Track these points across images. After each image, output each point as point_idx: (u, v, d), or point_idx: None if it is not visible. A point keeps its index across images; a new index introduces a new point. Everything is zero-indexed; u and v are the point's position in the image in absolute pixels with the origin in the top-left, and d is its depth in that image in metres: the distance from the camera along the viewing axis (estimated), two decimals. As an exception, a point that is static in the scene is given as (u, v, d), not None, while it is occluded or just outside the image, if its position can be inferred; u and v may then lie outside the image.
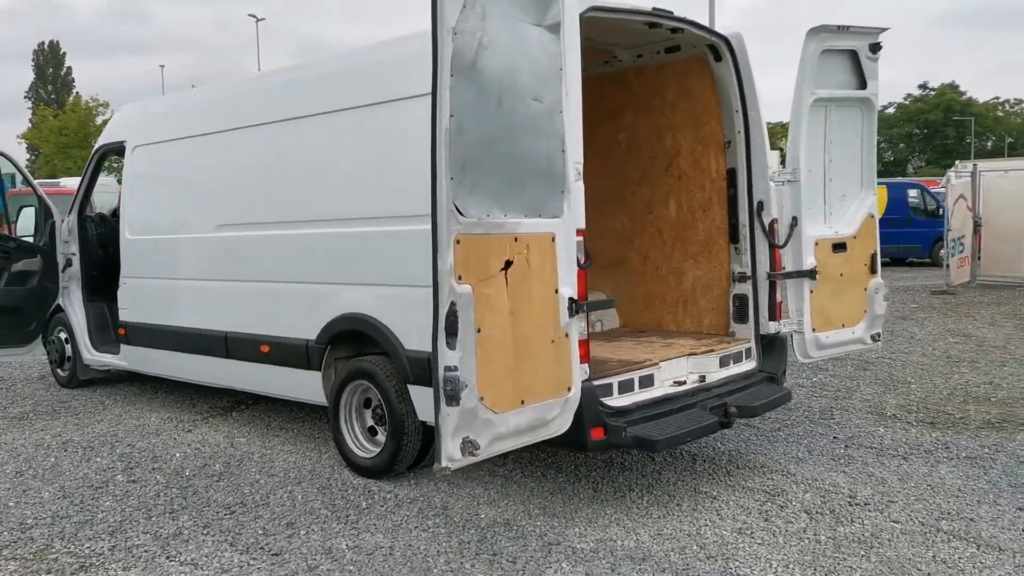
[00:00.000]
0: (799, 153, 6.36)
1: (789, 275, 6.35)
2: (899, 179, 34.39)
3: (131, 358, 8.43)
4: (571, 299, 4.60)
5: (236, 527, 5.25)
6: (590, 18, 5.17)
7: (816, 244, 6.46)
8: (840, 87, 6.60)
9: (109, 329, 8.85)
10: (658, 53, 6.70)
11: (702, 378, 5.87)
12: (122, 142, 8.44)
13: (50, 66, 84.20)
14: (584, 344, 4.89)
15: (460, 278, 3.99)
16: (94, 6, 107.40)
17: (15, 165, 8.99)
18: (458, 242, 3.98)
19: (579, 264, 4.81)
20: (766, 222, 6.31)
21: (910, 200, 25.19)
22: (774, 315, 6.37)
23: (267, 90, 7.05)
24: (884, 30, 6.64)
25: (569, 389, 4.63)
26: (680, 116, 6.76)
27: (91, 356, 8.99)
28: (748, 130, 6.27)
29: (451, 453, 3.97)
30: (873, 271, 6.83)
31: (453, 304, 3.93)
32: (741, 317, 6.47)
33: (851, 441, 6.76)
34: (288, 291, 6.52)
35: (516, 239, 4.32)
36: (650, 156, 7.02)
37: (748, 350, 6.34)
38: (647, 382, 5.47)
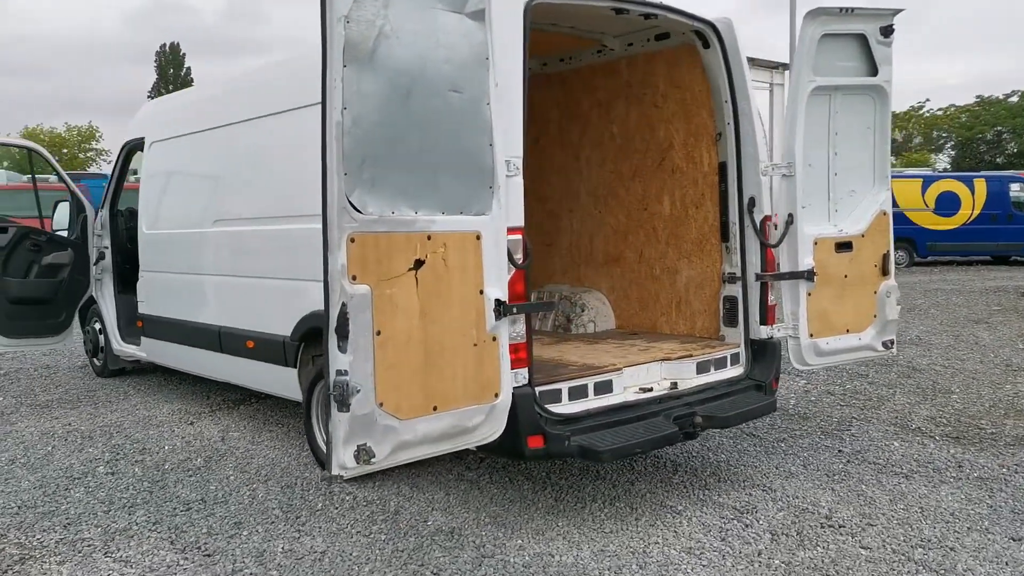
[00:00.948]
0: (796, 145, 5.93)
1: (780, 276, 5.94)
2: (1000, 172, 32.35)
3: (148, 350, 8.61)
4: (498, 301, 4.37)
5: (185, 524, 5.24)
6: (544, 4, 4.91)
7: (816, 243, 6.02)
8: (846, 74, 6.13)
9: (135, 321, 9.07)
10: (648, 41, 6.36)
11: (674, 385, 5.54)
12: (142, 138, 8.61)
13: (171, 67, 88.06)
14: (522, 347, 4.65)
15: (355, 278, 3.82)
16: (216, 8, 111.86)
17: (48, 160, 9.29)
18: (352, 240, 3.82)
19: (516, 264, 4.58)
20: (757, 219, 5.91)
21: (1012, 194, 23.65)
22: (766, 319, 5.97)
23: (242, 88, 7.07)
24: (898, 11, 6.13)
25: (497, 395, 4.41)
26: (672, 107, 6.41)
27: (119, 347, 9.23)
28: (738, 121, 5.88)
29: (343, 460, 3.81)
30: (885, 272, 6.33)
31: (344, 305, 3.77)
32: (731, 320, 6.09)
33: (855, 456, 6.28)
34: (267, 287, 6.50)
35: (430, 237, 4.12)
36: (643, 149, 6.69)
37: (735, 355, 5.96)
38: (604, 388, 5.18)
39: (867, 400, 8.02)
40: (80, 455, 6.73)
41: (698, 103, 6.19)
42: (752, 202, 5.91)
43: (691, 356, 5.70)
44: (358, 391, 3.80)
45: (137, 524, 5.27)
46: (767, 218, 5.93)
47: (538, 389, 4.85)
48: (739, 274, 5.99)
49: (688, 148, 6.34)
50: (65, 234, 9.37)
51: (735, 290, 6.03)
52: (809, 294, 6.00)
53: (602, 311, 6.99)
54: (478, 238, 4.34)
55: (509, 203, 4.57)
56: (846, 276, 6.17)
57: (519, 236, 4.64)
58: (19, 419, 8.00)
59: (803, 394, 8.31)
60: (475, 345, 4.32)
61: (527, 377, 4.69)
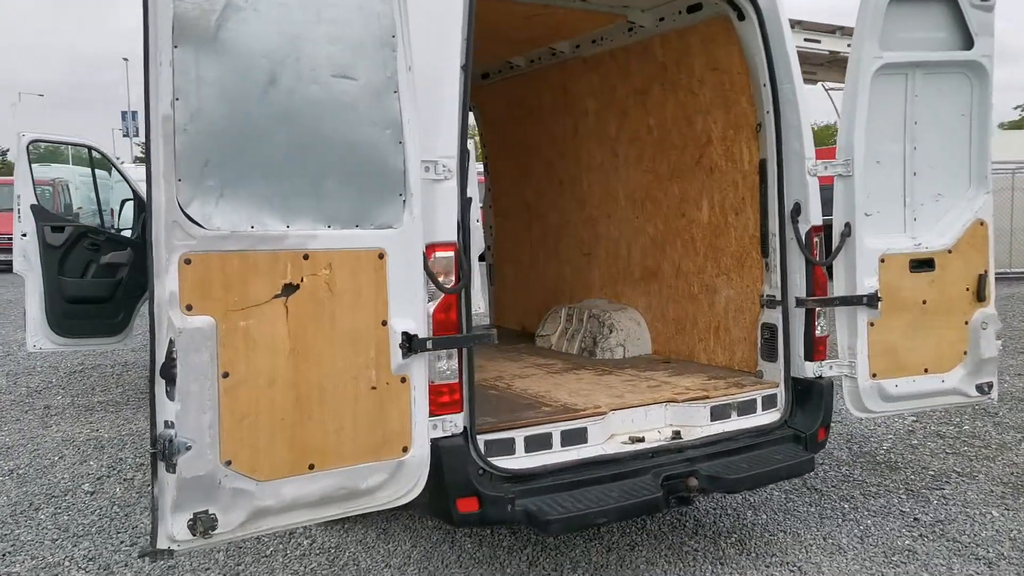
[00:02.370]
0: (856, 137, 4.73)
1: (828, 302, 4.76)
2: None
3: None
4: (407, 335, 3.55)
5: (118, 565, 4.74)
6: None
7: (883, 260, 4.80)
8: (930, 48, 4.86)
9: None
10: (680, 14, 5.30)
11: (676, 434, 4.51)
12: None
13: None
14: (454, 388, 3.81)
15: (190, 308, 3.11)
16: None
17: (108, 159, 9.21)
18: (188, 262, 3.10)
19: (444, 288, 3.74)
20: (802, 230, 4.76)
21: None
22: (812, 353, 4.81)
23: None
24: (1002, -35, 4.79)
25: (406, 449, 3.59)
26: (709, 94, 5.33)
27: None
28: (779, 108, 4.74)
29: (172, 532, 3.11)
30: (980, 298, 5.00)
31: (172, 342, 3.07)
32: (770, 353, 4.96)
33: (934, 528, 5.00)
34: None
35: (307, 256, 3.35)
36: (680, 145, 5.62)
37: (769, 398, 4.84)
38: (575, 438, 4.24)
39: (983, 448, 6.57)
40: (78, 468, 6.44)
41: (737, 88, 5.09)
42: (797, 209, 4.77)
43: (705, 398, 4.64)
44: (188, 448, 3.09)
45: (72, 559, 4.82)
46: (815, 229, 4.77)
47: (483, 438, 3.99)
48: (779, 297, 4.85)
49: (727, 143, 5.25)
50: (128, 233, 9.27)
51: (774, 317, 4.90)
52: (872, 324, 4.78)
53: (635, 333, 5.99)
54: (381, 257, 3.53)
55: (435, 213, 3.74)
56: (925, 302, 4.90)
57: (450, 253, 3.79)
58: (57, 422, 7.89)
59: (904, 435, 6.94)
60: (373, 388, 3.51)
61: (462, 425, 3.84)
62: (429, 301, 3.75)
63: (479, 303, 5.83)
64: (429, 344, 3.61)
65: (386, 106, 3.50)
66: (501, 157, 7.69)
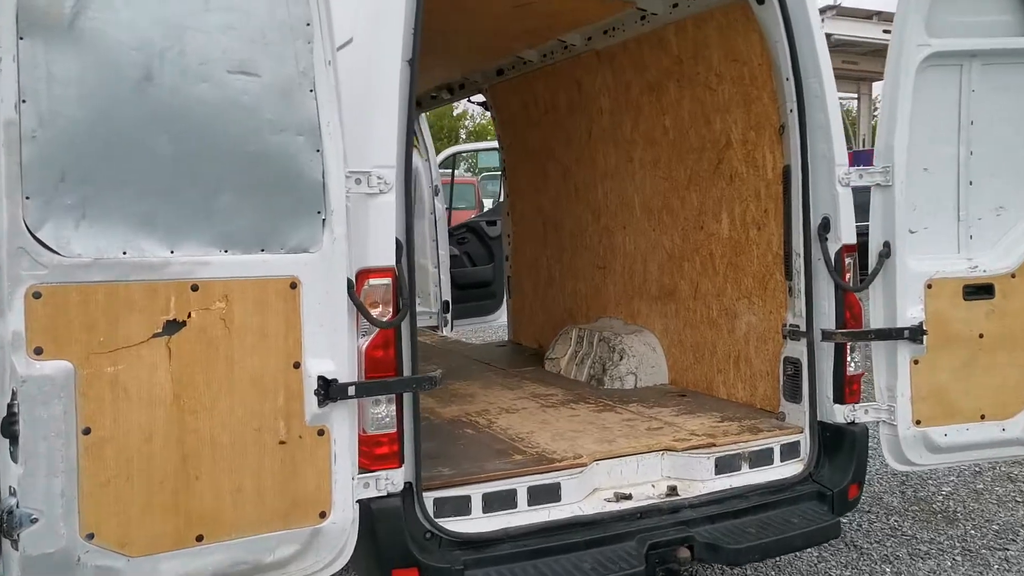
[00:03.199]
0: (897, 140, 3.98)
1: (862, 335, 4.02)
2: None
3: None
4: (323, 379, 2.98)
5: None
6: None
7: (929, 286, 4.04)
8: (990, 34, 4.08)
9: None
10: (694, -2, 4.61)
11: (672, 490, 3.83)
12: None
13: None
14: (391, 439, 3.23)
15: (40, 351, 2.59)
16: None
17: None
18: (37, 296, 2.58)
19: (378, 322, 3.16)
20: (832, 250, 4.03)
21: None
22: (843, 394, 4.08)
23: None
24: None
25: (324, 515, 3.02)
26: (728, 89, 4.62)
27: None
28: (803, 106, 4.03)
29: (17, 618, 2.61)
30: (1050, 332, 4.19)
31: (15, 394, 2.55)
32: (793, 393, 4.24)
33: (990, 603, 4.22)
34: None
35: (196, 287, 2.81)
36: (699, 148, 4.92)
37: (790, 446, 4.12)
38: (546, 495, 3.60)
39: (1062, 495, 5.69)
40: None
41: (758, 83, 4.38)
42: (825, 224, 4.04)
43: (711, 446, 3.95)
44: (33, 520, 2.57)
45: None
46: (846, 248, 4.03)
47: (433, 495, 3.40)
48: (804, 328, 4.13)
49: (748, 146, 4.54)
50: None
51: (799, 350, 4.18)
52: (916, 362, 4.02)
53: (648, 360, 5.30)
54: (293, 286, 2.96)
55: (369, 233, 3.16)
56: (982, 336, 4.11)
57: (386, 280, 3.21)
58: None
59: (970, 477, 6.08)
60: (282, 443, 2.95)
61: (402, 481, 3.25)
62: (363, 337, 3.19)
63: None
64: (351, 390, 3.03)
65: (299, 107, 2.94)
66: (517, 161, 7.08)
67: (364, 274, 3.18)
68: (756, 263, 4.55)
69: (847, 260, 4.05)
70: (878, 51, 12.95)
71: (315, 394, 2.97)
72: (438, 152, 10.66)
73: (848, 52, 18.03)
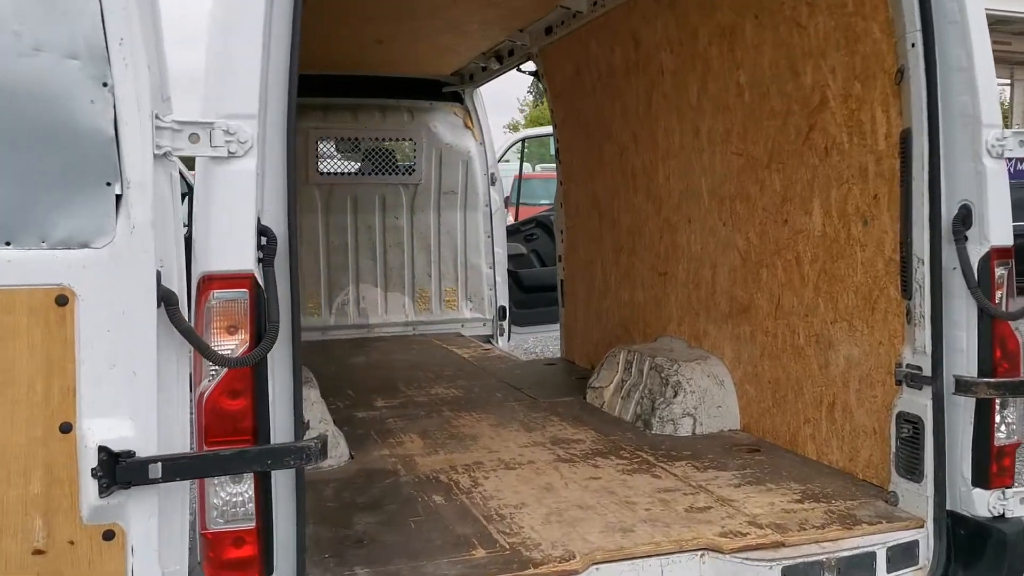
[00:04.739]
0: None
1: (1020, 388, 2.63)
2: None
3: None
4: (107, 450, 1.86)
5: None
6: None
7: None
8: None
9: None
10: None
11: (714, 612, 2.54)
12: None
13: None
14: (249, 536, 2.09)
15: None
16: None
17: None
18: None
19: (219, 359, 2.03)
20: (974, 255, 2.65)
21: None
22: (987, 475, 2.70)
23: None
24: None
25: (116, 661, 1.91)
26: (824, 23, 3.26)
27: None
28: (930, 38, 2.66)
29: None
30: None
31: None
32: (910, 465, 2.88)
33: None
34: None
35: None
36: (782, 111, 3.57)
37: (907, 548, 2.76)
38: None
39: None
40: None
41: (865, 9, 3.02)
42: (965, 215, 2.67)
43: (777, 546, 2.64)
44: None
45: None
46: (998, 253, 2.66)
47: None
48: (927, 370, 2.76)
49: (851, 104, 3.17)
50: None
51: (919, 404, 2.81)
52: (1107, 428, 2.61)
53: (712, 398, 3.97)
54: (63, 302, 1.86)
55: (212, 218, 2.03)
56: None
57: (241, 292, 2.07)
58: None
59: None
60: (38, 553, 1.85)
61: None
62: (205, 380, 2.06)
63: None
64: (154, 470, 1.89)
65: (68, 11, 1.82)
66: (572, 139, 5.83)
67: (208, 282, 2.05)
68: (860, 272, 3.18)
69: (998, 271, 2.67)
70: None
71: (93, 475, 1.86)
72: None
73: (999, 31, 15.82)
